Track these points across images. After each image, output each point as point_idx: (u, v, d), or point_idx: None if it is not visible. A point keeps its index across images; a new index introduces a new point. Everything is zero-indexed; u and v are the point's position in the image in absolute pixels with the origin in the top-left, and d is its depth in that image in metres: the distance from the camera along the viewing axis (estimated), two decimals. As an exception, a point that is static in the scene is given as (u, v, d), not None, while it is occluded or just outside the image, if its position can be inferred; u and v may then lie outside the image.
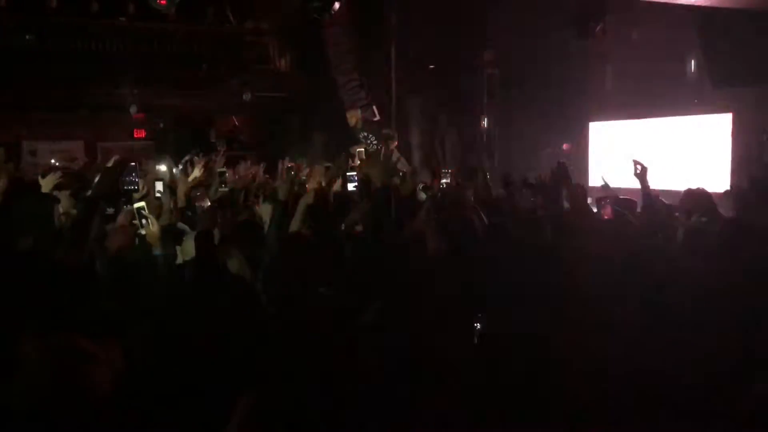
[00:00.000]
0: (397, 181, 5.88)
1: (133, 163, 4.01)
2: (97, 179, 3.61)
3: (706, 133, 10.19)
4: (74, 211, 4.36)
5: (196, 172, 6.10)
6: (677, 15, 7.95)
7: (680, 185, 5.76)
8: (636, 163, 4.80)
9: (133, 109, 13.17)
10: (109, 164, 3.94)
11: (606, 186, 4.98)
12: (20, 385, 1.61)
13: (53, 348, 1.67)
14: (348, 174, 6.05)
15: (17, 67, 12.07)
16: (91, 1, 13.04)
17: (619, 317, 2.43)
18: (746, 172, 8.27)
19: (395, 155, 8.83)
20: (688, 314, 2.37)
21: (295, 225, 3.95)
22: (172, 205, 5.16)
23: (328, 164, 7.06)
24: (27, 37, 12.58)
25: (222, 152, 7.32)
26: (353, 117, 10.13)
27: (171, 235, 4.48)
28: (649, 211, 4.69)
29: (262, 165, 7.68)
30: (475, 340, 2.22)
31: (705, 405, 2.00)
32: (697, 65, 9.47)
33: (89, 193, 3.79)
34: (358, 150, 8.52)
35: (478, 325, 1.99)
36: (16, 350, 1.73)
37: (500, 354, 1.99)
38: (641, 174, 4.70)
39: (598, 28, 7.48)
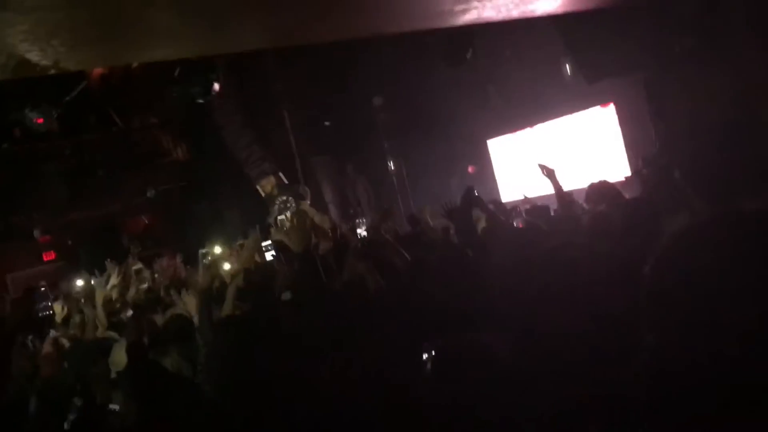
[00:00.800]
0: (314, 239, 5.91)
1: (42, 288, 3.89)
2: (9, 313, 3.49)
3: (594, 127, 10.70)
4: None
5: (113, 280, 5.97)
6: (542, 24, 8.37)
7: (585, 183, 6.02)
8: (542, 166, 5.02)
9: (36, 234, 12.77)
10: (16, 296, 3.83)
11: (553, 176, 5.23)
12: None
13: None
14: (263, 245, 6.06)
15: None
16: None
17: (547, 318, 2.51)
18: (639, 157, 8.71)
19: (311, 212, 8.87)
20: (598, 298, 2.46)
21: (227, 309, 3.92)
22: (95, 319, 5.03)
23: (241, 242, 7.05)
24: None
25: (135, 254, 7.20)
26: (268, 185, 10.14)
27: (98, 351, 4.36)
28: (563, 208, 4.89)
29: (179, 257, 7.59)
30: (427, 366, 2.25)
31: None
32: (571, 66, 9.96)
33: (3, 327, 3.67)
34: (279, 218, 8.55)
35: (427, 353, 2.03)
36: None
37: (452, 377, 2.02)
38: (549, 175, 4.92)
39: (468, 54, 7.81)
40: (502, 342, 2.08)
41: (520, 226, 5.04)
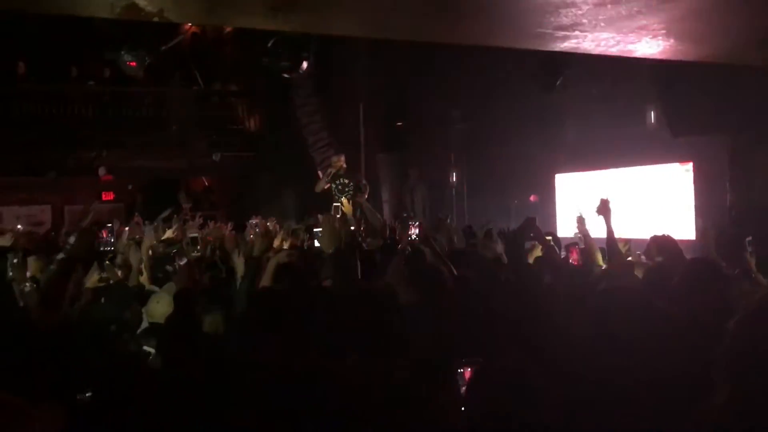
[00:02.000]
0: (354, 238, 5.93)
1: (109, 224, 3.98)
2: (75, 240, 3.57)
3: (668, 182, 10.42)
4: (44, 274, 4.30)
5: (169, 233, 6.07)
6: (636, 67, 8.22)
7: (647, 234, 5.86)
8: (603, 202, 4.83)
9: (101, 172, 13.13)
10: (85, 224, 3.90)
11: (584, 226, 5.04)
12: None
13: None
14: (315, 230, 6.10)
15: (-16, 132, 12.05)
16: (58, 67, 13.14)
17: (587, 358, 2.45)
18: (709, 220, 8.45)
19: (366, 206, 8.87)
20: (651, 352, 2.39)
21: (265, 281, 3.94)
22: (139, 266, 5.13)
23: (297, 227, 7.10)
24: (-7, 102, 12.60)
25: (188, 211, 7.30)
26: (338, 162, 10.17)
27: (135, 297, 4.44)
28: (611, 253, 4.73)
29: (230, 224, 7.67)
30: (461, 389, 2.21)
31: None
32: (657, 116, 9.74)
33: (65, 253, 3.76)
34: (335, 205, 8.57)
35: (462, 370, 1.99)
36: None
37: (488, 399, 1.97)
38: (604, 213, 4.73)
39: (558, 82, 7.69)
40: (538, 372, 2.03)
41: (575, 264, 4.93)
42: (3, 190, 13.14)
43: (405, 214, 13.63)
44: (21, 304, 3.65)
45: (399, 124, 13.78)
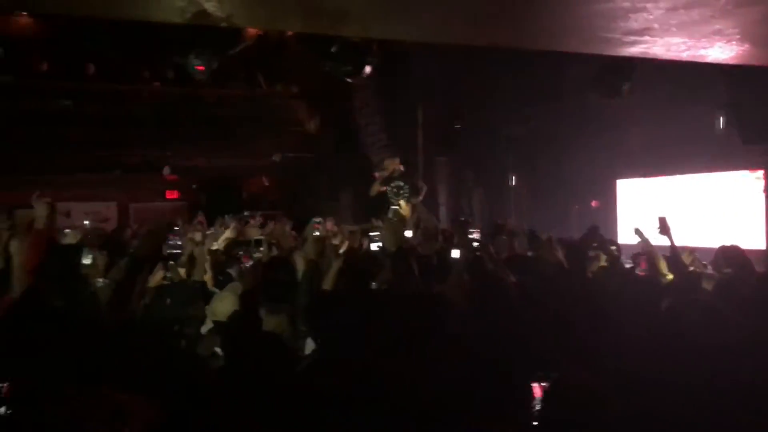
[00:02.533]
0: (415, 241, 5.91)
1: (176, 227, 4.05)
2: (142, 240, 3.66)
3: (737, 190, 10.09)
4: (110, 273, 4.42)
5: (228, 233, 6.17)
6: (705, 71, 7.98)
7: (713, 243, 5.70)
8: (661, 221, 4.71)
9: (166, 171, 13.45)
10: (154, 227, 3.99)
11: (644, 238, 4.91)
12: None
13: (88, 402, 1.67)
14: (371, 234, 6.10)
15: (54, 130, 12.48)
16: (126, 68, 13.53)
17: (657, 370, 2.40)
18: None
19: (424, 212, 8.83)
20: (721, 366, 2.33)
21: (327, 284, 3.98)
22: (204, 265, 5.23)
23: (353, 228, 7.12)
24: (65, 102, 13.04)
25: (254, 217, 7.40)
26: (392, 164, 10.15)
27: (200, 295, 4.52)
28: (674, 266, 4.60)
29: (288, 223, 7.74)
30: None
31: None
32: (725, 122, 9.44)
33: (134, 253, 3.86)
34: (393, 208, 8.55)
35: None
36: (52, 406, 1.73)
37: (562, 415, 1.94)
38: (665, 232, 4.62)
39: (625, 87, 7.52)
40: (610, 386, 1.98)
41: (641, 274, 4.81)
42: (71, 186, 13.59)
43: (462, 218, 13.56)
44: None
45: (457, 126, 13.71)
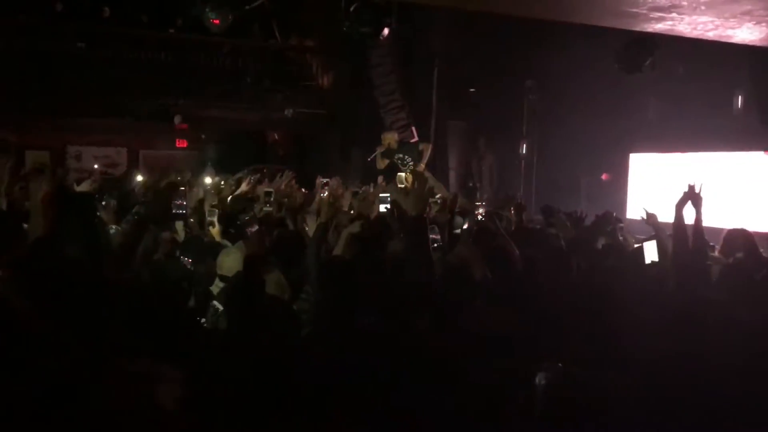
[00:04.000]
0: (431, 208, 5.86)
1: (183, 188, 4.02)
2: (151, 201, 3.65)
3: (752, 171, 10.00)
4: (118, 228, 4.43)
5: (243, 187, 6.17)
6: (726, 50, 7.85)
7: (723, 223, 5.66)
8: (691, 189, 4.24)
9: (176, 120, 13.40)
10: (161, 185, 3.97)
11: (654, 223, 4.74)
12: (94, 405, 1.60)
13: (126, 371, 1.67)
14: (381, 195, 6.06)
15: (67, 72, 12.41)
16: (142, 12, 13.38)
17: (657, 357, 2.41)
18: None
19: (430, 178, 8.74)
20: (727, 355, 2.34)
21: (338, 250, 3.97)
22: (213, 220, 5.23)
23: (357, 189, 7.08)
24: (79, 44, 12.94)
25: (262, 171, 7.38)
26: (388, 138, 10.01)
27: (209, 251, 4.53)
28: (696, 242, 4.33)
29: (290, 175, 7.62)
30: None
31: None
32: (744, 102, 9.32)
33: (141, 212, 3.85)
34: (399, 175, 8.47)
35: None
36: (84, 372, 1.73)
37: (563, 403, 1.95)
38: (696, 203, 4.20)
39: (647, 62, 7.39)
40: (621, 383, 1.98)
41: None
42: (82, 130, 13.58)
43: (470, 184, 13.50)
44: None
45: (472, 90, 13.57)
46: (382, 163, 9.85)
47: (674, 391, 2.03)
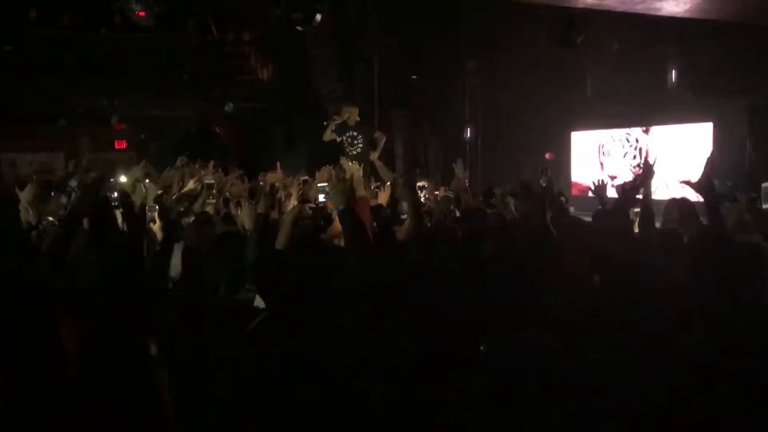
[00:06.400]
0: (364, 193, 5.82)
1: (112, 179, 3.90)
2: (79, 194, 3.51)
3: (687, 142, 10.27)
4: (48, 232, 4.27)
5: (191, 184, 6.00)
6: (658, 25, 8.01)
7: (662, 195, 5.76)
8: (647, 163, 4.31)
9: (114, 120, 13.08)
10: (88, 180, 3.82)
11: (602, 195, 4.80)
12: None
13: None
14: (319, 186, 5.99)
15: (-3, 78, 11.99)
16: (71, 12, 12.99)
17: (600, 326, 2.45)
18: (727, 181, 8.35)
19: (378, 164, 8.65)
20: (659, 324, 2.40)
21: (281, 242, 3.89)
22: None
23: (305, 177, 6.98)
24: (5, 47, 12.50)
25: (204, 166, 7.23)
26: (349, 113, 9.76)
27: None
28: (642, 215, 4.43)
29: (236, 172, 7.51)
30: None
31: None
32: (677, 75, 9.55)
33: (71, 207, 3.71)
34: (343, 162, 8.35)
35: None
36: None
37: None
38: (646, 175, 4.28)
39: (579, 38, 7.49)
40: (558, 344, 2.00)
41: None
42: (16, 136, 13.13)
43: (417, 169, 13.53)
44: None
45: (414, 77, 13.58)
46: (329, 135, 9.62)
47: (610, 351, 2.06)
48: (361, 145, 9.64)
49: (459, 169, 6.06)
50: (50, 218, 4.28)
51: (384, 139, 10.20)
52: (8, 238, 3.18)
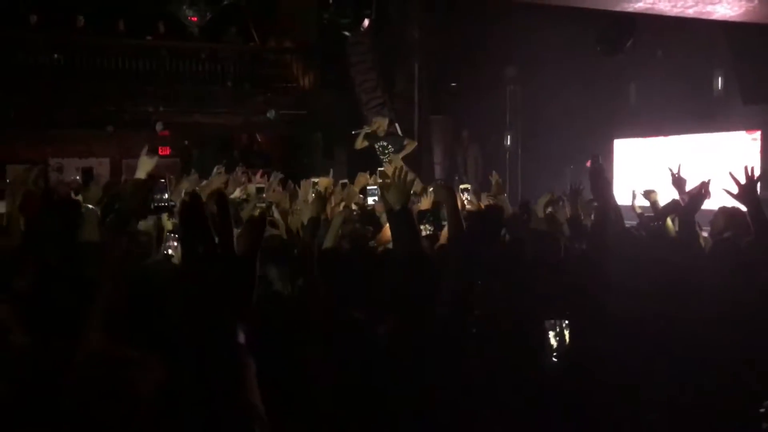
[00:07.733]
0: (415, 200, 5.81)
1: (163, 180, 3.90)
2: (127, 195, 3.56)
3: (734, 150, 10.05)
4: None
5: (238, 192, 6.08)
6: (705, 31, 7.88)
7: (709, 205, 5.63)
8: (674, 175, 4.53)
9: (158, 127, 13.29)
10: (140, 178, 3.85)
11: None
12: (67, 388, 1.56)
13: (99, 353, 1.63)
14: (368, 188, 6.00)
15: (44, 84, 12.30)
16: (118, 20, 13.27)
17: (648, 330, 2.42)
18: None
19: (410, 175, 8.65)
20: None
21: (329, 242, 3.91)
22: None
23: (344, 181, 7.02)
24: (55, 55, 12.82)
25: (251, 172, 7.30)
26: (378, 123, 9.86)
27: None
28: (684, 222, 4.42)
29: (276, 176, 7.57)
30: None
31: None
32: (725, 82, 9.36)
33: (119, 208, 3.76)
34: (380, 170, 8.38)
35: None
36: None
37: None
38: (678, 184, 4.44)
39: (628, 43, 7.39)
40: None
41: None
42: (63, 142, 13.43)
43: (456, 177, 13.48)
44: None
45: (453, 84, 13.56)
46: (360, 143, 9.72)
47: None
48: (391, 155, 9.70)
49: (495, 178, 6.06)
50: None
51: (414, 146, 10.22)
52: (61, 235, 3.24)
